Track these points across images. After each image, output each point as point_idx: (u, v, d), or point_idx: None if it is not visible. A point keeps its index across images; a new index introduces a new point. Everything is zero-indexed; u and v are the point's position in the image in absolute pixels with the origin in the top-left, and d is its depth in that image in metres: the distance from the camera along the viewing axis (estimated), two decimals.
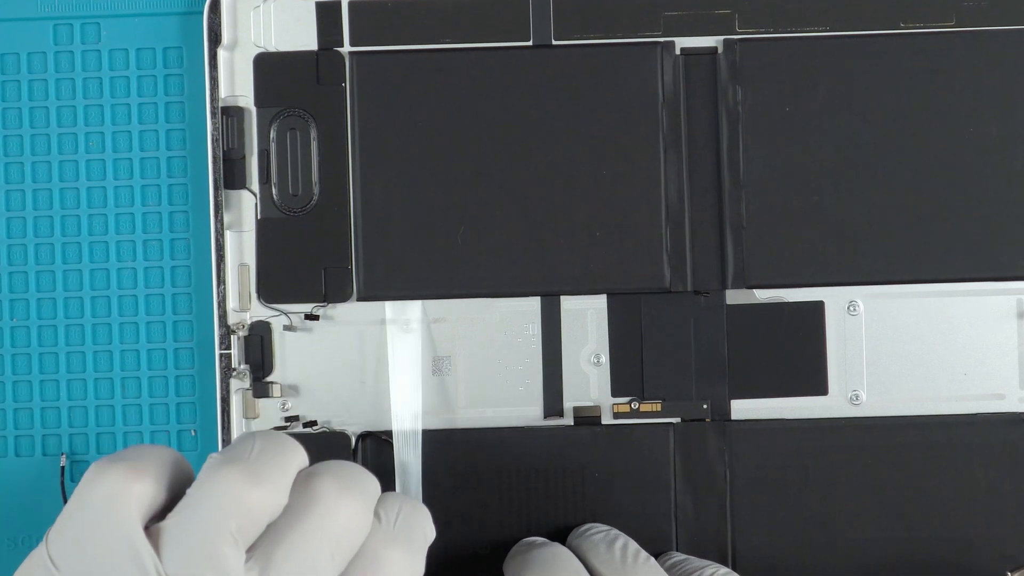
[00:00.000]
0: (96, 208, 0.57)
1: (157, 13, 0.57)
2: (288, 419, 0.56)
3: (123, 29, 0.57)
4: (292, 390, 0.56)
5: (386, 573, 0.45)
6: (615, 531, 0.53)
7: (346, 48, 0.55)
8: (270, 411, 0.56)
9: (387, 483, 0.55)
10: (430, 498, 0.54)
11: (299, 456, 0.45)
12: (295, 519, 0.44)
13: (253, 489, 0.43)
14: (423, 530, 0.47)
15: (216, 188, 0.55)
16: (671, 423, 0.55)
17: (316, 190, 0.55)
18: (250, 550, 0.43)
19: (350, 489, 0.45)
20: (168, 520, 0.42)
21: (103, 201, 0.57)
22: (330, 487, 0.44)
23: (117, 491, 0.42)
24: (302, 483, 0.44)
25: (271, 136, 0.55)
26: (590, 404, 0.56)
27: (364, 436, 0.55)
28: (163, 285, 0.57)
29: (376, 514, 0.46)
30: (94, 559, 0.42)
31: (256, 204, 0.56)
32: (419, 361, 0.55)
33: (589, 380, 0.56)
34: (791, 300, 0.55)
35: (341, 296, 0.55)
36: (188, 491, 0.43)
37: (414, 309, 0.55)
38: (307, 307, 0.56)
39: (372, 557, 0.45)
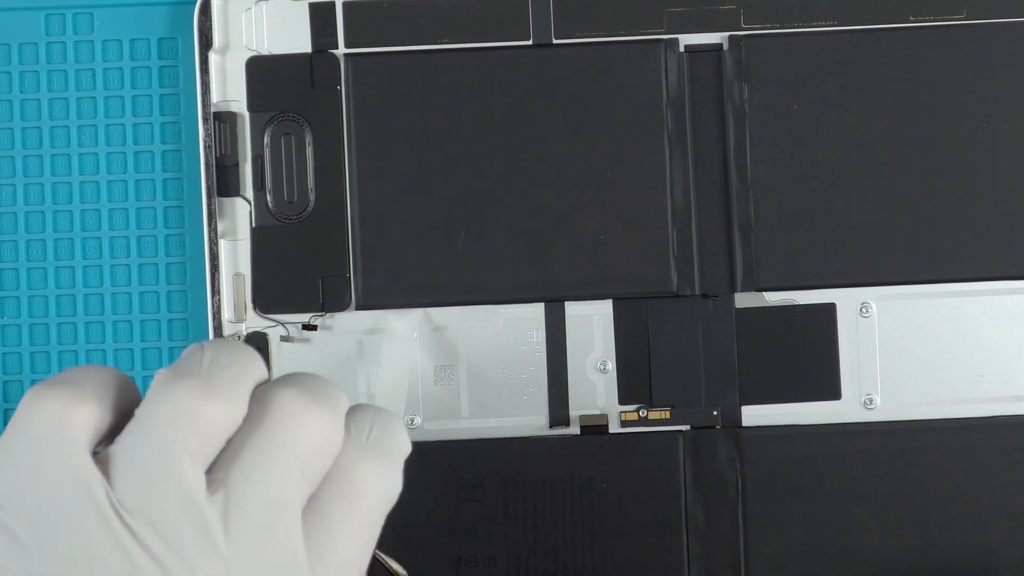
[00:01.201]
0: (89, 203, 0.56)
1: (151, 2, 0.57)
2: None
3: (116, 19, 0.56)
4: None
5: (362, 491, 0.42)
6: None
7: (341, 50, 0.55)
8: None
9: None
10: (433, 511, 0.54)
11: (256, 365, 0.41)
12: (260, 435, 0.40)
13: (208, 403, 0.39)
14: (399, 444, 0.43)
15: (209, 196, 0.55)
16: (680, 431, 0.55)
17: (312, 196, 0.55)
18: (210, 470, 0.40)
19: (319, 401, 0.41)
20: (117, 443, 0.40)
21: (96, 196, 0.56)
22: (296, 400, 0.41)
23: (58, 416, 0.39)
24: (264, 396, 0.41)
25: (265, 142, 0.55)
26: (597, 412, 0.55)
27: None
28: (158, 282, 0.56)
29: (347, 428, 0.43)
30: (39, 493, 0.39)
31: (250, 212, 0.55)
32: (406, 371, 0.54)
33: (595, 388, 0.55)
34: (802, 302, 0.55)
35: (339, 305, 0.55)
36: (137, 411, 0.40)
37: (414, 317, 0.55)
38: (304, 317, 0.55)
39: (346, 475, 0.42)
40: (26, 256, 0.56)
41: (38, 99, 0.56)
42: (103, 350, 0.56)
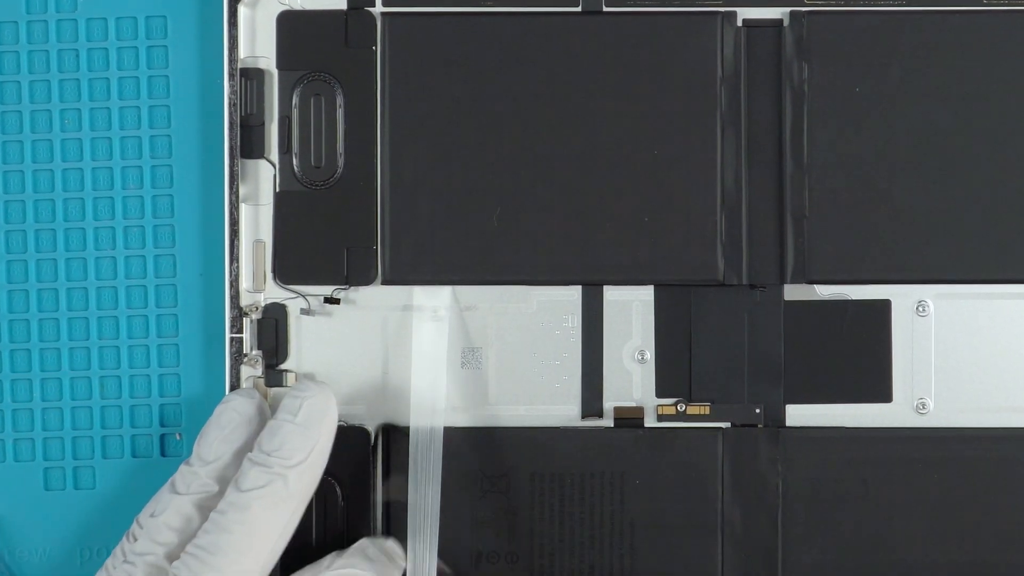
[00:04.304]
0: (72, 192, 0.55)
1: None
2: None
3: None
4: (308, 379, 0.53)
5: None
6: None
7: (378, 8, 0.54)
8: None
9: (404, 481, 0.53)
10: (455, 502, 0.53)
11: None
12: None
13: None
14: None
15: (232, 157, 0.54)
16: (720, 428, 0.54)
17: (341, 162, 0.54)
18: None
19: None
20: None
21: (79, 184, 0.55)
22: None
23: None
24: None
25: (293, 102, 0.54)
26: (632, 404, 0.54)
27: (384, 430, 0.54)
28: (145, 275, 0.55)
29: None
30: None
31: (275, 175, 0.54)
32: (445, 353, 0.54)
33: (632, 378, 0.54)
34: (855, 298, 0.54)
35: (364, 279, 0.54)
36: None
37: (443, 295, 0.54)
38: (327, 289, 0.54)
39: None
40: (5, 248, 0.55)
41: (18, 81, 0.55)
42: (87, 347, 0.55)
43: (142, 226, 0.55)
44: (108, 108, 0.55)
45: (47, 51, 0.55)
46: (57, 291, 0.55)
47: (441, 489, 0.52)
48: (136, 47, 0.55)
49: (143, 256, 0.55)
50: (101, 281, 0.55)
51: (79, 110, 0.55)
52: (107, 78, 0.55)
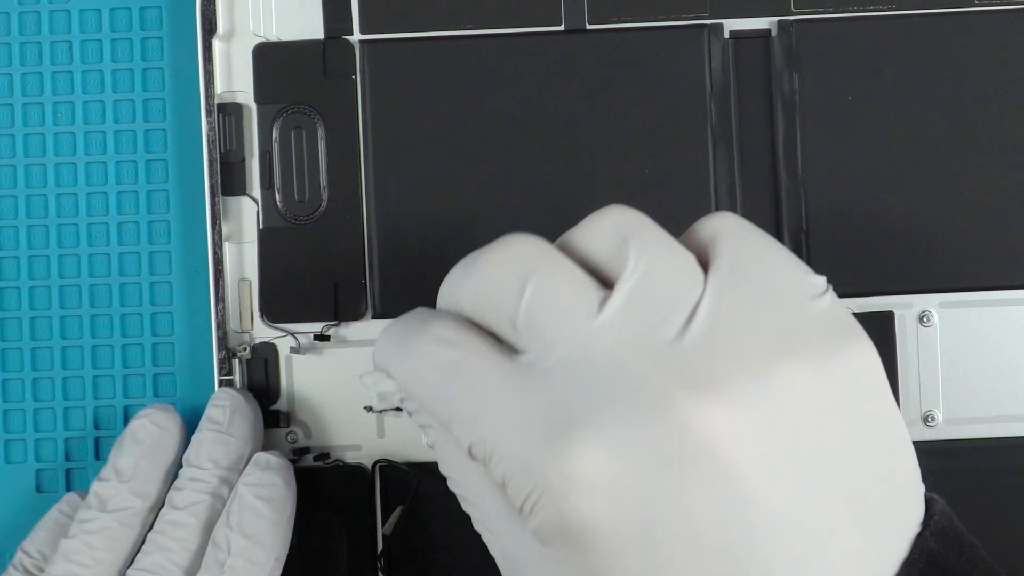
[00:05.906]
0: (65, 187, 0.55)
1: None
2: (297, 451, 0.53)
3: None
4: (300, 419, 0.53)
5: None
6: None
7: (356, 36, 0.53)
8: (276, 442, 0.53)
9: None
10: (457, 545, 0.52)
11: None
12: None
13: None
14: None
15: (213, 195, 0.53)
16: None
17: (325, 196, 0.53)
18: None
19: None
20: None
21: (73, 179, 0.55)
22: None
23: None
24: None
25: (274, 136, 0.53)
26: None
27: (382, 466, 0.53)
28: (140, 272, 0.55)
29: None
30: None
31: (258, 212, 0.53)
32: None
33: None
34: (857, 310, 0.53)
35: (355, 314, 0.53)
36: None
37: None
38: (317, 326, 0.53)
39: None
40: None
41: (10, 74, 0.55)
42: (80, 346, 0.54)
43: (137, 222, 0.54)
44: (102, 101, 0.55)
45: (39, 43, 0.55)
46: (50, 288, 0.54)
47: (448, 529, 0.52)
48: (131, 38, 0.55)
49: (138, 253, 0.54)
50: (95, 279, 0.54)
51: (72, 103, 0.55)
52: (101, 70, 0.55)
